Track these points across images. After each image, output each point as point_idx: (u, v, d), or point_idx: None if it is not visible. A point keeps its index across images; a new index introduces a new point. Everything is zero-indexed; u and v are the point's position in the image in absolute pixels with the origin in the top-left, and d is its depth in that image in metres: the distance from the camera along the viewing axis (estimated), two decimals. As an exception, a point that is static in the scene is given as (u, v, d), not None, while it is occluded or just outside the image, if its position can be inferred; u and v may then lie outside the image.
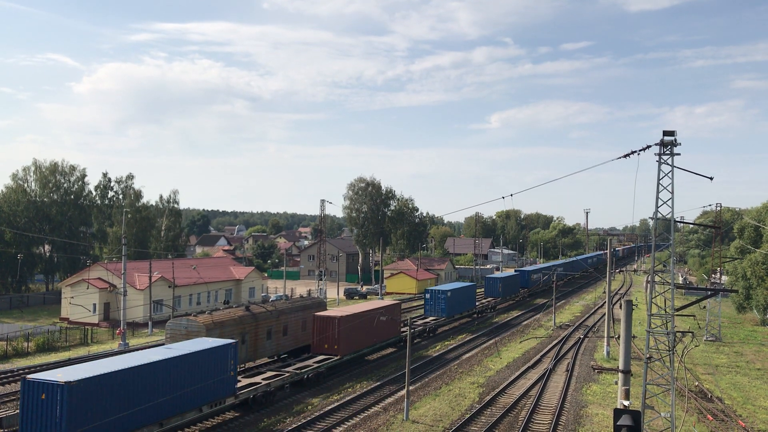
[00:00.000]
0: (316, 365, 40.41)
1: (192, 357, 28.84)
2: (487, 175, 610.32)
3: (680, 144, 27.31)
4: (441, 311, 63.97)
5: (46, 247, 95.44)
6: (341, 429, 31.92)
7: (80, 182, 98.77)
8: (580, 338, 59.66)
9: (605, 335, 53.29)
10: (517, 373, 44.79)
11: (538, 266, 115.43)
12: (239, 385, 34.06)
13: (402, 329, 53.59)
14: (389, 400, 37.47)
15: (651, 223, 35.05)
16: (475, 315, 73.97)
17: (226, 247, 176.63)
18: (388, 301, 53.89)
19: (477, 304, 75.52)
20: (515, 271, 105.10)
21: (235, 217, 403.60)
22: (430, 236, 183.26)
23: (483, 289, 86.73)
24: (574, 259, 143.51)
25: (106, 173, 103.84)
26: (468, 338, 60.11)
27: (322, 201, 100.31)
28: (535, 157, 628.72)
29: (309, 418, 32.90)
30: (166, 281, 70.97)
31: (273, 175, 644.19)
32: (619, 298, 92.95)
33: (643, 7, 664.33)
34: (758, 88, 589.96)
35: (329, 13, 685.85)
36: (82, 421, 22.98)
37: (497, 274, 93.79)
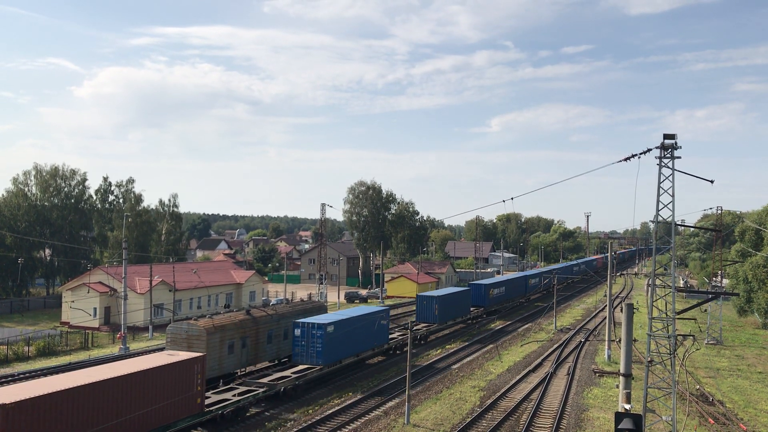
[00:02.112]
0: None
1: None
2: (487, 179, 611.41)
3: (681, 147, 27.34)
4: (317, 355, 41.28)
5: (47, 251, 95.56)
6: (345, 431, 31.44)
7: (81, 186, 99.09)
8: (581, 342, 59.61)
9: (606, 339, 53.30)
10: (518, 377, 44.75)
11: (503, 278, 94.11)
12: None
13: (209, 404, 31.46)
14: (390, 404, 37.43)
15: (652, 226, 35.05)
16: (392, 352, 53.17)
17: (227, 251, 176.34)
18: (176, 355, 29.65)
19: (392, 337, 54.32)
20: (468, 284, 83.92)
21: (235, 221, 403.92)
22: (431, 240, 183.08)
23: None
24: (560, 266, 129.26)
25: (107, 177, 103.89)
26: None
27: (323, 205, 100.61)
28: (536, 161, 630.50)
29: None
30: (166, 285, 71.01)
31: (273, 178, 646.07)
32: (620, 302, 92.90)
33: (644, 11, 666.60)
34: (758, 91, 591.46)
35: (329, 17, 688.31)
36: None
37: (433, 292, 67.97)
